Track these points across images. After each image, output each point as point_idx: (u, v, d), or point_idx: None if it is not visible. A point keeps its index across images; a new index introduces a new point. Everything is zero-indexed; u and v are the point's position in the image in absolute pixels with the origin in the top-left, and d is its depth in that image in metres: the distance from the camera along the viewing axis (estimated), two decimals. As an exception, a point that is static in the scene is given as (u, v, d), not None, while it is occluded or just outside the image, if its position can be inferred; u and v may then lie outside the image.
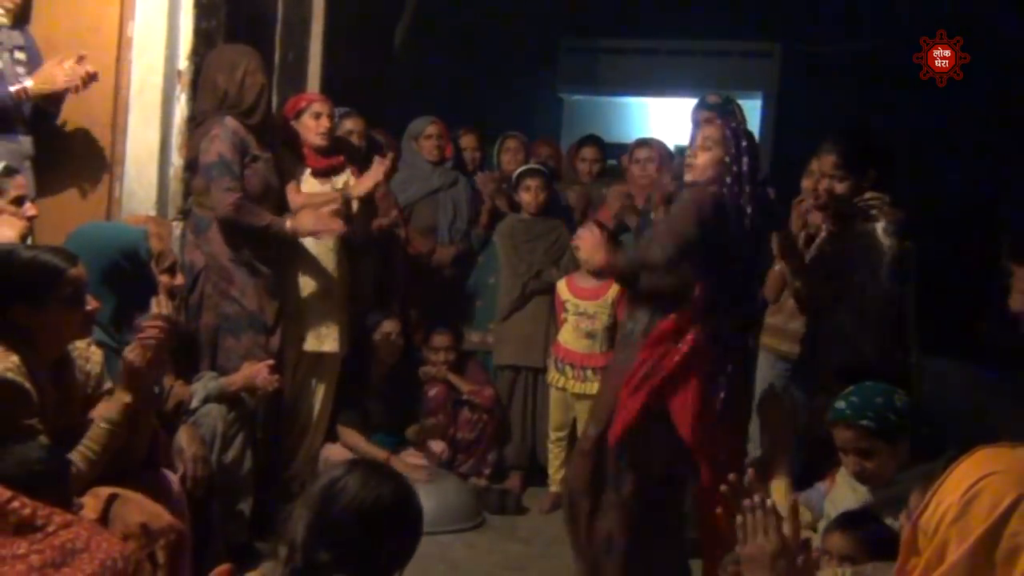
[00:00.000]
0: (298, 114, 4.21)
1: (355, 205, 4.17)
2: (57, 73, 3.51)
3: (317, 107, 4.21)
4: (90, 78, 3.57)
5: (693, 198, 3.17)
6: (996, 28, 6.64)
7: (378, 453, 4.26)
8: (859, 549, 2.40)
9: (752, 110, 8.32)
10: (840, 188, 3.52)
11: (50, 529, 2.05)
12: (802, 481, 3.19)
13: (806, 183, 4.00)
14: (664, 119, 8.87)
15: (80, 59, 3.55)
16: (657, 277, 3.20)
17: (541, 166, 5.09)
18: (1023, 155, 7.30)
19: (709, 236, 3.11)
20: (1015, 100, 7.10)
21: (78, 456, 2.49)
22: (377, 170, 4.17)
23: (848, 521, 2.51)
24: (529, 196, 4.89)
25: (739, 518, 1.84)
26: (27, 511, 2.03)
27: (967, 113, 6.99)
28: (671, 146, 5.24)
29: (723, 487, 1.94)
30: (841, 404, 2.63)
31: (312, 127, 4.18)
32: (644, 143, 5.07)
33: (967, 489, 1.38)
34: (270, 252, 3.92)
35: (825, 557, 2.51)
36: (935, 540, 1.40)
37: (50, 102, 3.66)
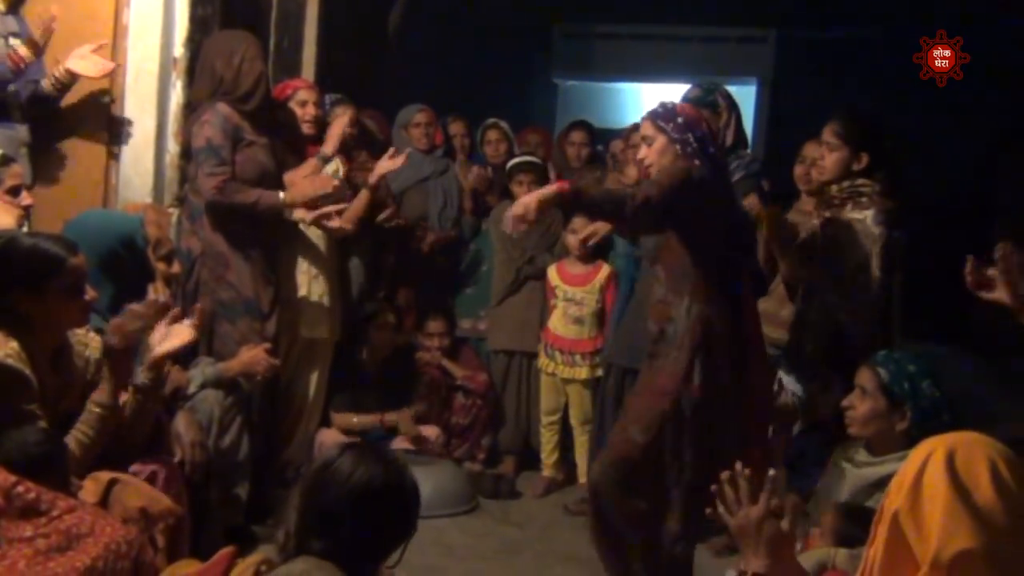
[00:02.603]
0: (284, 101, 4.19)
1: (332, 167, 4.18)
2: (48, 21, 3.63)
3: (302, 95, 4.20)
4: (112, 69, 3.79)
5: (673, 169, 3.01)
6: (994, 17, 6.65)
7: (370, 419, 4.32)
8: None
9: (747, 96, 8.33)
10: (831, 160, 3.48)
11: (54, 514, 2.09)
12: (797, 467, 3.24)
13: (798, 170, 4.03)
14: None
15: (100, 47, 3.72)
16: (631, 224, 3.05)
17: (533, 158, 5.05)
18: (1019, 142, 7.33)
19: (695, 205, 3.00)
20: (1012, 88, 7.12)
21: (72, 440, 2.52)
22: (339, 123, 4.18)
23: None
24: (522, 191, 4.82)
25: (716, 488, 1.89)
26: (32, 495, 2.07)
27: (963, 101, 7.01)
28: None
29: (724, 475, 1.95)
30: (883, 352, 2.87)
31: (298, 115, 4.17)
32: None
33: (909, 459, 1.59)
34: (265, 237, 3.93)
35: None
36: (887, 502, 1.58)
37: (61, 89, 3.69)
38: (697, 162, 3.04)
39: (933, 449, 1.55)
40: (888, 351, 2.89)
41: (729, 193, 3.20)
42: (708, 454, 3.00)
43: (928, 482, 1.52)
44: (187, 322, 2.77)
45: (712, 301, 3.06)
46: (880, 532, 1.57)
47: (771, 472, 1.93)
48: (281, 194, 3.83)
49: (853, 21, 7.95)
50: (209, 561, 2.07)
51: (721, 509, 1.90)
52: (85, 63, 3.67)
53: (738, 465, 1.93)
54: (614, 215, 3.09)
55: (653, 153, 3.12)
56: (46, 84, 3.66)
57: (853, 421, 2.79)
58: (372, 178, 4.29)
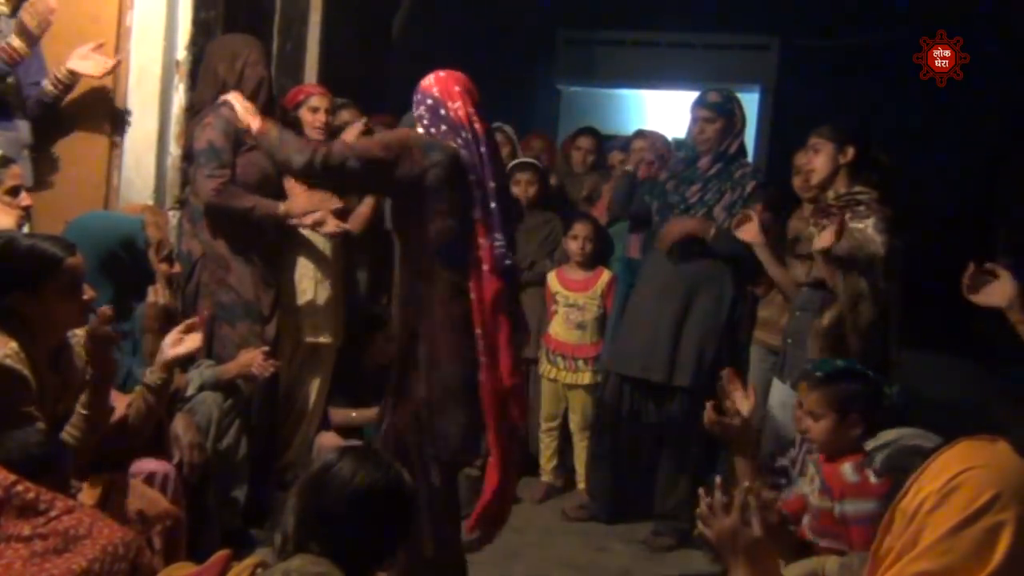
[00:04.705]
0: (296, 106, 4.19)
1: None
2: (45, 12, 3.57)
3: (315, 101, 4.18)
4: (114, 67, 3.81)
5: (386, 136, 2.90)
6: (996, 23, 6.66)
7: (369, 415, 4.32)
8: (831, 405, 2.72)
9: (750, 103, 8.34)
10: (819, 160, 3.56)
11: (53, 514, 2.09)
12: (787, 473, 3.25)
13: (797, 181, 4.04)
14: (662, 111, 8.89)
15: (99, 46, 3.72)
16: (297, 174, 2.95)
17: (533, 160, 5.07)
18: (1019, 150, 7.35)
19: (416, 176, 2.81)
20: (1012, 97, 7.14)
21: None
22: (351, 131, 4.17)
23: (825, 378, 2.78)
24: (519, 190, 4.86)
25: (700, 507, 1.87)
26: (31, 495, 2.07)
27: (965, 108, 7.02)
28: (669, 138, 5.25)
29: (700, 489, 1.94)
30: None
31: (308, 121, 4.16)
32: (640, 134, 5.12)
33: (947, 481, 1.42)
34: (266, 241, 3.93)
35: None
36: (912, 526, 1.44)
37: (62, 89, 3.70)
38: (433, 130, 2.93)
39: (996, 494, 1.40)
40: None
41: (468, 178, 2.96)
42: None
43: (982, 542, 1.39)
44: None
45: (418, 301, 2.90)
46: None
47: (744, 484, 1.91)
48: (281, 206, 3.83)
49: (856, 28, 7.96)
50: (205, 563, 2.07)
51: (700, 524, 1.89)
52: (87, 63, 3.69)
53: (718, 479, 1.91)
54: (291, 166, 2.91)
55: None
56: (48, 85, 3.66)
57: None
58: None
